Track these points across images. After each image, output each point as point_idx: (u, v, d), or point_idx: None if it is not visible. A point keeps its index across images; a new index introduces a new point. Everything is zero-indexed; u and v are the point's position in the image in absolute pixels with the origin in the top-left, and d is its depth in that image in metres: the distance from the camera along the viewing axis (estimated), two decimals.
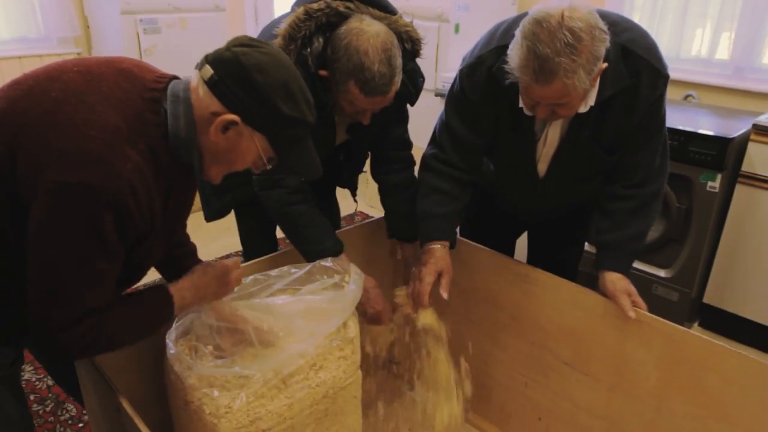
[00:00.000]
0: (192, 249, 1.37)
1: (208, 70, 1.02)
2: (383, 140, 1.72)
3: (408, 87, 1.56)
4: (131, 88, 1.02)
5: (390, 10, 1.50)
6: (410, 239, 1.77)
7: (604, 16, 1.29)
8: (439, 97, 2.99)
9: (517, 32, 1.23)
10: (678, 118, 2.51)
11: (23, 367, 2.09)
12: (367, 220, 2.00)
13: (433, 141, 1.64)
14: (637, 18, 2.97)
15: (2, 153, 0.95)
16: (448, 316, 1.89)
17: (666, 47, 2.90)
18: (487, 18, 3.14)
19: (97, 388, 1.28)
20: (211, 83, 1.01)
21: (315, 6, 1.40)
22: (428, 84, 3.07)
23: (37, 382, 2.19)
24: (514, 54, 1.23)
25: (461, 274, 1.82)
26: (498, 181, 1.73)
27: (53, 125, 0.94)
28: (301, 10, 1.40)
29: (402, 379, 2.09)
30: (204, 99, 1.02)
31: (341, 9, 1.41)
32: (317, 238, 1.56)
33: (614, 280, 1.48)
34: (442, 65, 3.07)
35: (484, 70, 1.42)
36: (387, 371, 2.13)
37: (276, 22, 1.48)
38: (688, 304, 2.52)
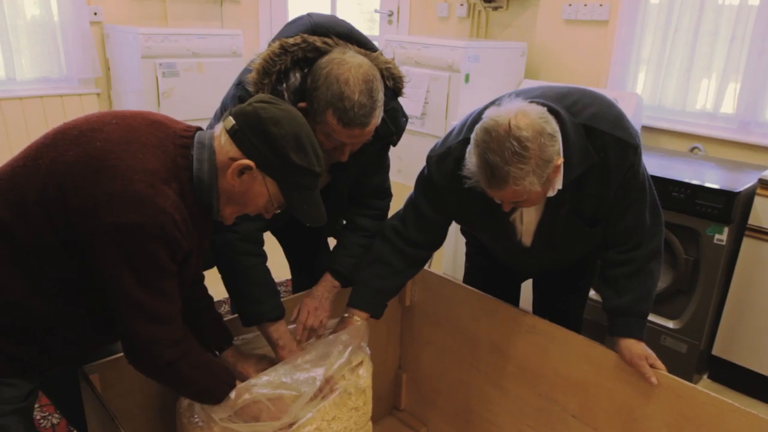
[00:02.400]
0: (210, 303, 1.45)
1: (230, 121, 1.16)
2: (361, 186, 1.67)
3: (389, 126, 1.52)
4: (164, 136, 1.15)
5: (370, 47, 1.47)
6: (339, 277, 1.64)
7: (563, 96, 1.35)
8: None
9: (472, 138, 1.29)
10: (684, 170, 2.54)
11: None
12: None
13: (398, 215, 1.66)
14: (643, 71, 3.04)
15: (55, 194, 1.06)
16: (453, 363, 1.89)
17: (671, 100, 2.96)
18: (496, 69, 3.23)
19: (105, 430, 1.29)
20: (231, 132, 1.15)
21: (291, 41, 1.37)
22: (438, 131, 3.16)
23: (41, 420, 2.18)
24: (469, 160, 1.30)
25: (467, 322, 1.83)
26: (491, 249, 1.76)
27: (101, 170, 1.06)
28: (276, 44, 1.38)
29: (407, 425, 2.08)
30: (225, 146, 1.15)
31: (318, 44, 1.38)
32: (257, 299, 1.46)
33: (629, 346, 1.47)
34: (452, 114, 3.14)
35: (451, 161, 1.46)
36: (393, 417, 2.12)
37: (255, 59, 1.44)
38: (697, 356, 2.50)
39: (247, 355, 1.45)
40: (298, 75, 1.38)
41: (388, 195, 1.74)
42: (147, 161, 1.08)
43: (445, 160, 1.49)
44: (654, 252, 1.51)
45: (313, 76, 1.33)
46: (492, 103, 1.41)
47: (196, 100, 3.38)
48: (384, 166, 1.69)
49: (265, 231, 1.58)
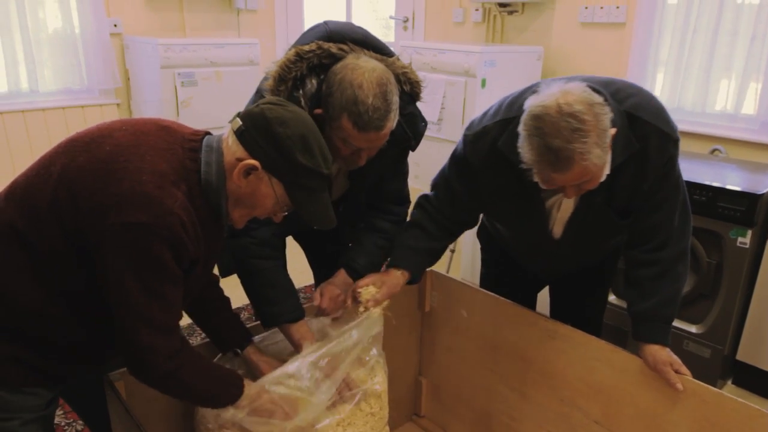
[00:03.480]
0: (226, 303, 1.46)
1: (238, 122, 1.16)
2: (380, 192, 1.66)
3: (405, 131, 1.51)
4: (173, 140, 1.15)
5: (386, 53, 1.47)
6: (354, 273, 1.61)
7: (607, 84, 1.32)
8: None
9: (521, 130, 1.26)
10: (705, 172, 2.51)
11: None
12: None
13: (433, 186, 1.69)
14: (661, 73, 3.01)
15: (65, 200, 1.07)
16: (473, 369, 1.89)
17: (691, 102, 2.93)
18: (513, 73, 3.22)
19: None
20: (238, 133, 1.15)
21: (306, 47, 1.38)
22: (454, 137, 3.16)
23: (66, 427, 2.21)
24: (526, 152, 1.26)
25: (487, 327, 1.82)
26: (513, 244, 1.75)
27: (110, 173, 1.07)
28: (291, 51, 1.39)
29: (426, 431, 2.07)
30: (232, 147, 1.16)
31: (334, 50, 1.38)
32: (274, 300, 1.48)
33: (653, 351, 1.45)
34: (469, 119, 3.13)
35: (488, 141, 1.45)
36: (414, 423, 2.11)
37: (271, 67, 1.46)
38: (721, 361, 2.46)
39: (268, 353, 1.46)
40: (314, 81, 1.39)
41: (406, 201, 1.72)
42: (156, 163, 1.09)
43: (481, 139, 1.47)
44: (681, 254, 1.49)
45: (328, 82, 1.34)
46: (523, 93, 1.40)
47: (214, 108, 3.41)
48: (402, 171, 1.69)
49: (283, 237, 1.59)
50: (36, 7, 3.20)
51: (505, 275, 1.90)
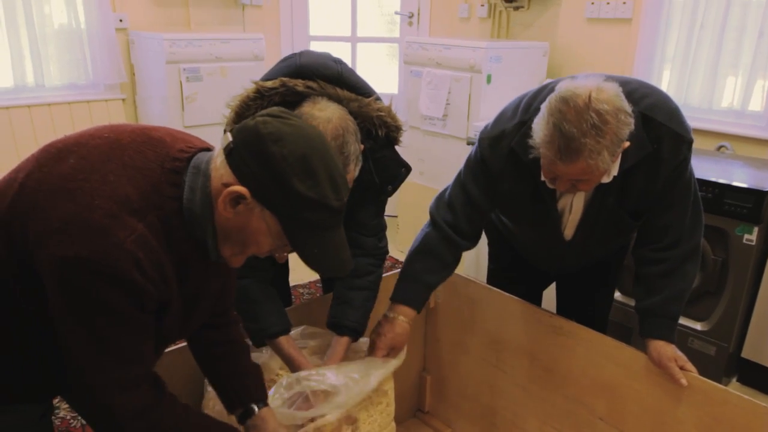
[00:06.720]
0: (239, 349, 1.28)
1: (228, 138, 0.94)
2: (346, 224, 1.55)
3: (373, 177, 1.44)
4: (154, 157, 0.96)
5: (364, 92, 1.40)
6: (350, 332, 1.50)
7: (623, 83, 1.31)
8: (470, 146, 3.03)
9: (543, 107, 1.25)
10: (712, 169, 2.50)
11: (58, 404, 2.13)
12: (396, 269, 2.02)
13: (446, 202, 1.59)
14: (668, 69, 3.00)
15: (19, 216, 0.91)
16: (478, 365, 1.89)
17: (698, 98, 2.91)
18: (518, 69, 3.21)
19: None
20: (227, 151, 0.93)
21: (269, 84, 1.32)
22: (460, 133, 3.16)
23: (72, 420, 2.22)
24: (539, 129, 1.25)
25: (492, 323, 1.82)
26: (522, 243, 1.74)
27: (62, 193, 0.89)
28: (252, 88, 1.33)
29: (431, 427, 2.07)
30: (220, 169, 0.94)
31: (300, 89, 1.32)
32: (256, 317, 1.42)
33: (658, 347, 1.45)
34: (474, 115, 3.13)
35: (506, 144, 1.44)
36: (418, 419, 2.12)
37: (233, 99, 1.40)
38: (726, 359, 2.46)
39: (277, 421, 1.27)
40: None
41: (375, 233, 1.57)
42: (119, 185, 0.90)
43: (499, 143, 1.45)
44: (690, 253, 1.48)
45: None
46: (538, 94, 1.39)
47: (219, 103, 3.39)
48: (373, 203, 1.56)
49: None
50: (42, 2, 3.21)
51: (513, 270, 1.90)
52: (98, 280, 0.86)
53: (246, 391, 1.24)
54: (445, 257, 1.57)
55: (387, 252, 1.63)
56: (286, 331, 1.44)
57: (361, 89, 1.41)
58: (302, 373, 1.33)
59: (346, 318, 1.49)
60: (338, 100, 1.34)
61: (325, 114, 1.26)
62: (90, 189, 0.89)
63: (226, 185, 0.92)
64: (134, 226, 0.88)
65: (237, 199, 0.92)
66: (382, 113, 1.41)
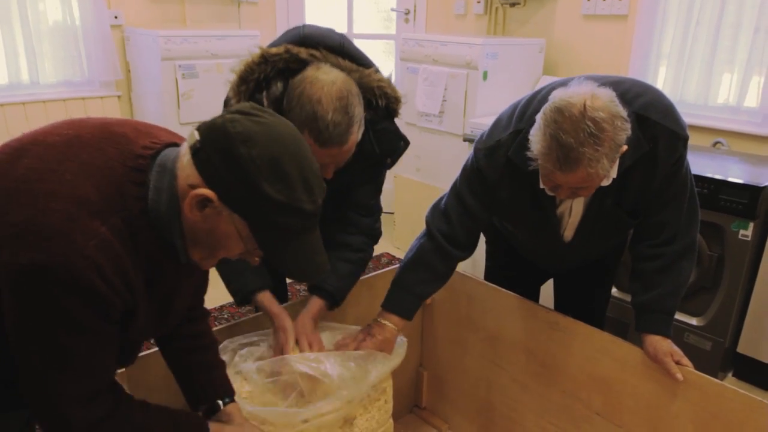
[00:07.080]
0: (207, 343, 1.26)
1: (194, 136, 0.89)
2: (346, 199, 1.56)
3: (374, 146, 1.45)
4: (116, 155, 0.90)
5: (364, 63, 1.42)
6: (327, 296, 1.51)
7: (616, 84, 1.31)
8: (467, 142, 3.04)
9: (538, 118, 1.25)
10: (707, 165, 2.51)
11: None
12: (394, 265, 2.02)
13: (442, 211, 1.59)
14: (664, 66, 3.00)
15: None
16: (475, 361, 1.89)
17: (694, 94, 2.92)
18: (514, 66, 3.22)
19: None
20: (193, 150, 0.88)
21: (273, 50, 1.34)
22: (456, 129, 3.16)
23: None
24: (536, 141, 1.25)
25: (489, 319, 1.83)
26: (521, 243, 1.75)
27: (16, 195, 0.84)
28: (257, 53, 1.35)
29: (428, 423, 2.08)
30: (186, 168, 0.89)
31: (303, 56, 1.33)
32: (236, 276, 1.46)
33: (654, 342, 1.46)
34: (470, 111, 3.13)
35: (502, 153, 1.43)
36: (414, 415, 2.12)
37: (238, 64, 1.41)
38: (722, 354, 2.47)
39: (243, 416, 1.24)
40: (280, 85, 1.34)
41: (371, 213, 1.60)
42: (77, 186, 0.84)
43: (495, 152, 1.45)
44: (686, 249, 1.49)
45: (288, 96, 1.30)
46: (531, 101, 1.39)
47: (215, 100, 3.38)
48: (372, 182, 1.59)
49: None
50: None
51: (510, 268, 1.90)
52: (56, 289, 0.81)
53: (211, 385, 1.22)
54: (438, 268, 1.59)
55: (381, 234, 1.65)
56: (266, 287, 1.45)
57: (362, 60, 1.42)
58: (293, 357, 1.32)
59: (326, 282, 1.50)
60: (340, 69, 1.34)
61: (329, 77, 1.27)
62: (45, 191, 0.83)
63: (193, 186, 0.88)
64: (96, 230, 0.83)
65: (203, 202, 0.87)
66: (383, 84, 1.42)
